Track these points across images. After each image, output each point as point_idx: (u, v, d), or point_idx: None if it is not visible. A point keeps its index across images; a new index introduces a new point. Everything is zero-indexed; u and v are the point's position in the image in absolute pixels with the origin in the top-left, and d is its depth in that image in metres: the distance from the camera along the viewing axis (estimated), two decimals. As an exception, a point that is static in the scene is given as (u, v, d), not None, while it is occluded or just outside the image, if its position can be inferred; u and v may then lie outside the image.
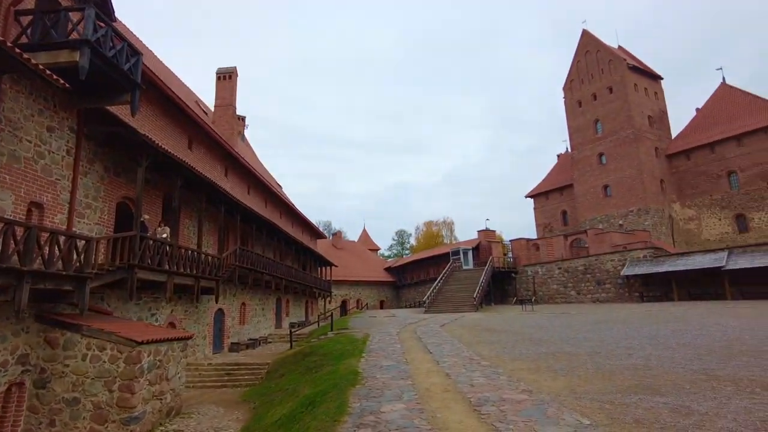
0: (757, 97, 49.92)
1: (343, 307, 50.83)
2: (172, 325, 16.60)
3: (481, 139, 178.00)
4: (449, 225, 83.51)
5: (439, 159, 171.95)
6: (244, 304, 24.37)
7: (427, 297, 33.91)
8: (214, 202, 19.81)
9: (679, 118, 75.23)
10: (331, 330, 22.01)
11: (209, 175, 19.03)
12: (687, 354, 9.90)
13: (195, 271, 16.64)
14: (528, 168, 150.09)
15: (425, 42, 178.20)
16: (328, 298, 44.98)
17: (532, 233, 62.17)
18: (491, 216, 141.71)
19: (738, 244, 37.01)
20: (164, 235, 14.90)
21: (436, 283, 36.81)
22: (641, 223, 48.27)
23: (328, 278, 43.99)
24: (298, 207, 38.54)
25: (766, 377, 7.24)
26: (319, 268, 43.54)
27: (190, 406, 13.03)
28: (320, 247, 48.99)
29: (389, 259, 76.87)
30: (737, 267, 26.68)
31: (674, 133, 55.90)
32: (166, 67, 24.57)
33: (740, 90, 52.24)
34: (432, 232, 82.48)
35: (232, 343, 22.06)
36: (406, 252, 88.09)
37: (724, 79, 54.75)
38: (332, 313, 26.55)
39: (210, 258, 18.14)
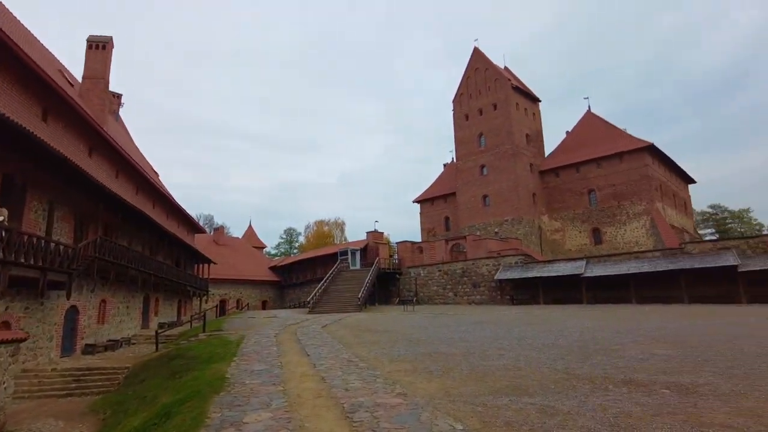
0: (614, 126, 56.81)
1: (222, 307, 48.14)
2: (5, 324, 14.13)
3: (377, 144, 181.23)
4: (340, 225, 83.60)
5: (336, 160, 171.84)
6: (104, 301, 21.77)
7: (312, 297, 33.23)
8: (72, 184, 17.38)
9: (552, 138, 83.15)
10: (204, 331, 20.48)
11: (68, 154, 16.58)
12: (551, 354, 10.53)
13: (41, 262, 14.37)
14: (419, 175, 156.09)
15: (329, 42, 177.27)
16: (205, 298, 42.23)
17: (417, 237, 64.32)
18: (382, 219, 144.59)
19: (594, 254, 41.50)
20: (0, 218, 12.62)
21: (321, 283, 36.27)
22: (514, 231, 52.21)
23: (206, 276, 41.30)
24: (176, 198, 35.64)
25: (617, 374, 7.82)
26: (195, 265, 40.73)
27: (21, 421, 11.09)
28: (199, 242, 45.90)
29: (275, 258, 74.64)
30: (593, 275, 29.81)
31: (547, 151, 61.49)
32: (25, 28, 21.18)
33: (602, 119, 59.00)
34: (323, 232, 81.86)
35: (86, 344, 19.52)
36: (295, 251, 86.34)
37: (589, 107, 61.47)
38: (205, 312, 24.77)
39: (62, 248, 15.82)
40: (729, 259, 26.00)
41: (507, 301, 34.19)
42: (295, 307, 44.76)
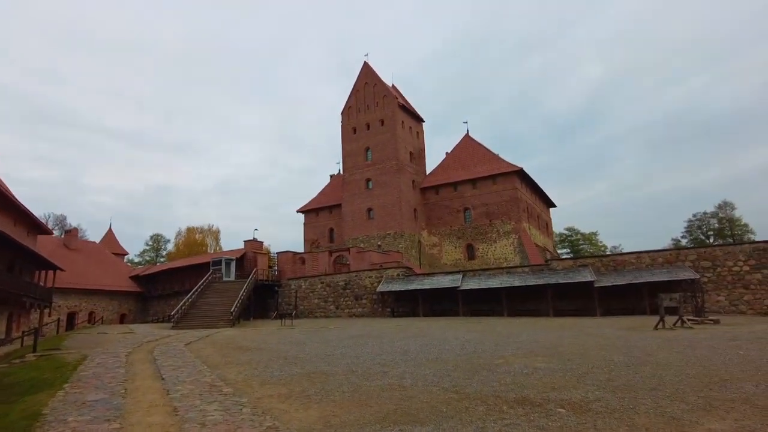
0: (489, 150, 60.68)
1: (70, 321, 41.88)
2: None
3: (262, 153, 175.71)
4: (215, 233, 78.30)
5: (213, 165, 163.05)
6: None
7: (177, 311, 29.94)
8: None
9: (432, 158, 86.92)
10: (34, 350, 16.96)
11: None
12: (437, 370, 9.97)
13: None
14: (306, 186, 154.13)
15: (217, 45, 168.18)
16: (48, 310, 36.19)
17: (301, 249, 62.43)
18: (264, 229, 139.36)
19: (467, 268, 43.33)
20: None
21: (189, 295, 32.95)
22: (396, 245, 52.92)
23: (50, 285, 35.43)
24: (22, 195, 30.12)
25: (508, 392, 7.39)
26: (37, 272, 34.79)
27: None
28: (44, 245, 39.48)
29: (139, 267, 67.38)
30: (469, 288, 30.80)
31: (428, 170, 63.73)
32: None
33: (478, 142, 62.67)
34: (194, 240, 75.94)
35: None
36: (162, 259, 78.98)
37: (468, 131, 64.94)
38: (37, 328, 20.84)
39: None
40: (587, 276, 28.45)
41: (388, 314, 34.02)
42: (158, 322, 40.44)
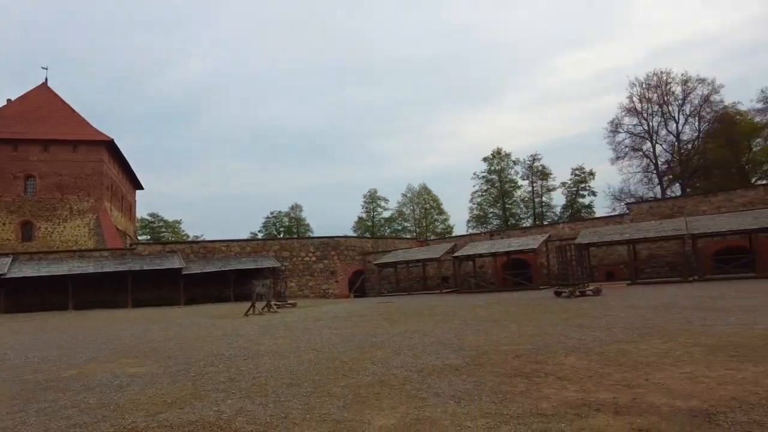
0: (75, 111, 50.21)
1: None
2: None
3: None
4: None
5: None
6: None
7: None
8: None
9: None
10: None
11: None
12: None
13: None
14: None
15: None
16: None
17: None
18: None
19: (20, 251, 33.58)
20: None
21: None
22: None
23: None
24: None
25: (100, 425, 4.74)
26: None
27: None
28: None
29: None
30: (20, 276, 23.43)
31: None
32: None
33: (60, 98, 50.95)
34: None
35: None
36: None
37: (47, 79, 51.81)
38: None
39: None
40: (175, 262, 26.56)
41: None
42: None
